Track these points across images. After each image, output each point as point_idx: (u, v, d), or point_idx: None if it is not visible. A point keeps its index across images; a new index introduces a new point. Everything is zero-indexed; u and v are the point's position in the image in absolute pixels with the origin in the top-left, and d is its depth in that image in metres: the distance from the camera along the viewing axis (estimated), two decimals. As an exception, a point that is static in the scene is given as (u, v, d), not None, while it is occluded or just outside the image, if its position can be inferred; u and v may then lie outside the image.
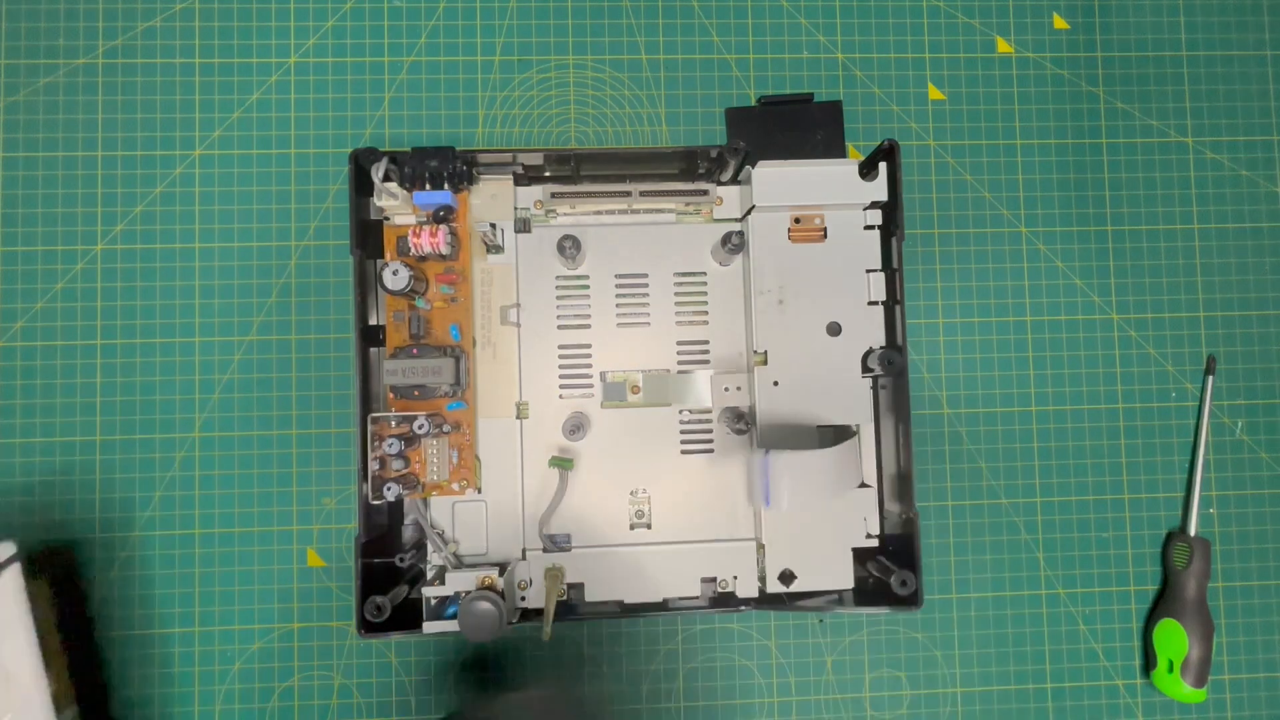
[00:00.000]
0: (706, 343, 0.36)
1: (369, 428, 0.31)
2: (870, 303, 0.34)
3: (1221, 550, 0.40)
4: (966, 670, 0.38)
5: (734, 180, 0.35)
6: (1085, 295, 0.40)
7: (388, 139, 0.39)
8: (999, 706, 0.38)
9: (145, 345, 0.38)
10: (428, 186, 0.32)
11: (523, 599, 0.33)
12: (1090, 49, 0.41)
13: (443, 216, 0.33)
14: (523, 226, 0.35)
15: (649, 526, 0.35)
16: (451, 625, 0.31)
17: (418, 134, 0.39)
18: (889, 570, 0.32)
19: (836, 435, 0.34)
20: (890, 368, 0.33)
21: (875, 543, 0.34)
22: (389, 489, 0.31)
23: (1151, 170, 0.41)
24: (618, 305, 0.35)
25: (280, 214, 0.38)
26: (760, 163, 0.33)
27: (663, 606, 0.34)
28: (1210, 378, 0.39)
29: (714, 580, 0.34)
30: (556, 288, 0.35)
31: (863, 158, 0.34)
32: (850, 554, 0.33)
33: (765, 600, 0.34)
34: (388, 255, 0.33)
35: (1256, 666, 0.39)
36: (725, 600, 0.34)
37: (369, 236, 0.33)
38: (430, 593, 0.32)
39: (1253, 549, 0.40)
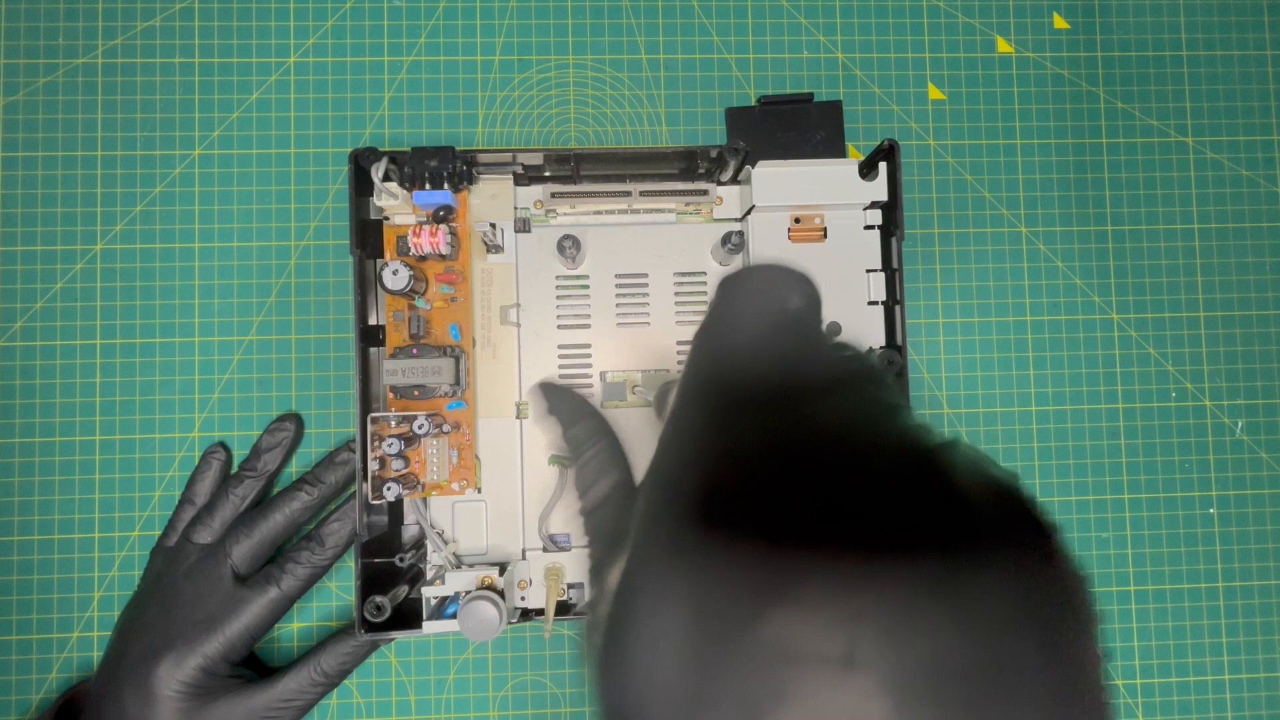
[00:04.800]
0: (706, 343, 0.36)
1: (369, 428, 0.31)
2: (870, 303, 0.34)
3: (1221, 550, 0.40)
4: (966, 670, 0.38)
5: (734, 180, 0.35)
6: (1085, 295, 0.40)
7: (388, 139, 0.39)
8: (999, 706, 0.38)
9: (145, 345, 0.38)
10: (427, 186, 0.32)
11: (523, 599, 0.33)
12: (1090, 49, 0.41)
13: (443, 216, 0.32)
14: (523, 226, 0.35)
15: (649, 526, 0.35)
16: (451, 625, 0.31)
17: (418, 134, 0.39)
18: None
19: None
20: (890, 368, 0.33)
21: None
22: (389, 489, 0.31)
23: (1151, 170, 0.41)
24: (618, 305, 0.35)
25: (280, 214, 0.38)
26: (760, 163, 0.33)
27: (663, 606, 0.34)
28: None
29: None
30: (556, 288, 0.35)
31: (863, 158, 0.34)
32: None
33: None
34: (387, 255, 0.33)
35: (1256, 666, 0.39)
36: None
37: (369, 236, 0.33)
38: (430, 593, 0.32)
39: (1253, 549, 0.40)
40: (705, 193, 0.35)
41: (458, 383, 0.32)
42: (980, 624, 0.11)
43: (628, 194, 0.34)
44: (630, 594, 0.13)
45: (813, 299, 0.16)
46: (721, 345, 0.16)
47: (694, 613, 0.11)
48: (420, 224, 0.32)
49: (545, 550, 0.34)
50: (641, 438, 0.35)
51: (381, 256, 0.33)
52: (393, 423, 0.31)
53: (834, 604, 0.11)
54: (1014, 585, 0.11)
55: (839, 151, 0.39)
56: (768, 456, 0.13)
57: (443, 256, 0.32)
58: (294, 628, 0.37)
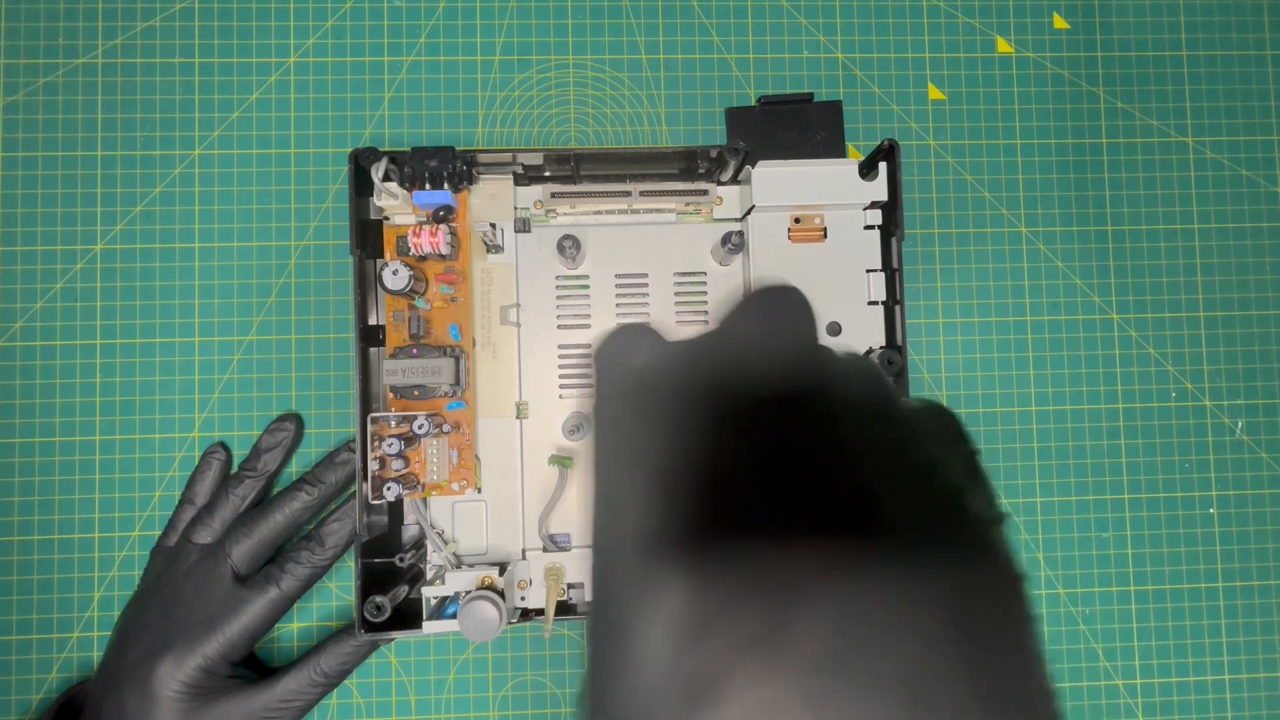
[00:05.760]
0: (706, 343, 0.36)
1: (369, 428, 0.31)
2: (870, 303, 0.34)
3: (1222, 550, 0.40)
4: (966, 670, 0.38)
5: (734, 180, 0.35)
6: (1085, 295, 0.40)
7: (388, 139, 0.39)
8: (999, 706, 0.38)
9: (145, 345, 0.38)
10: (427, 186, 0.32)
11: (523, 599, 0.33)
12: (1090, 49, 0.41)
13: (442, 216, 0.32)
14: (523, 226, 0.35)
15: (649, 526, 0.35)
16: (451, 625, 0.31)
17: (418, 134, 0.39)
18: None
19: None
20: (890, 368, 0.33)
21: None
22: (389, 489, 0.31)
23: (1151, 170, 0.41)
24: (618, 305, 0.35)
25: (280, 214, 0.38)
26: (760, 163, 0.33)
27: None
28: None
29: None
30: (556, 287, 0.35)
31: (863, 158, 0.34)
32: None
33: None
34: (387, 255, 0.33)
35: (1256, 666, 0.39)
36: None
37: (369, 236, 0.33)
38: (430, 593, 0.32)
39: (1253, 549, 0.40)
40: (705, 193, 0.35)
41: (458, 383, 0.32)
42: (897, 677, 0.09)
43: (628, 194, 0.34)
44: (591, 658, 0.12)
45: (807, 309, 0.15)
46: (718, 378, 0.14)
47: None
48: (420, 224, 0.32)
49: (545, 550, 0.34)
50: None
51: (381, 256, 0.33)
52: (393, 423, 0.31)
53: (752, 692, 0.09)
54: (932, 615, 0.10)
55: (839, 151, 0.39)
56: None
57: (443, 256, 0.32)
58: (294, 628, 0.37)
